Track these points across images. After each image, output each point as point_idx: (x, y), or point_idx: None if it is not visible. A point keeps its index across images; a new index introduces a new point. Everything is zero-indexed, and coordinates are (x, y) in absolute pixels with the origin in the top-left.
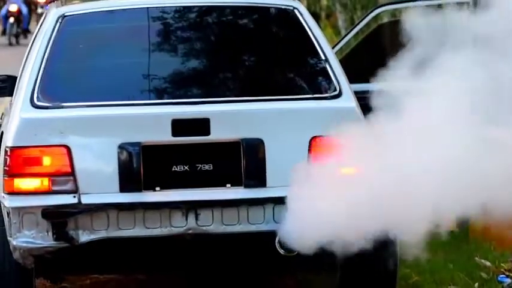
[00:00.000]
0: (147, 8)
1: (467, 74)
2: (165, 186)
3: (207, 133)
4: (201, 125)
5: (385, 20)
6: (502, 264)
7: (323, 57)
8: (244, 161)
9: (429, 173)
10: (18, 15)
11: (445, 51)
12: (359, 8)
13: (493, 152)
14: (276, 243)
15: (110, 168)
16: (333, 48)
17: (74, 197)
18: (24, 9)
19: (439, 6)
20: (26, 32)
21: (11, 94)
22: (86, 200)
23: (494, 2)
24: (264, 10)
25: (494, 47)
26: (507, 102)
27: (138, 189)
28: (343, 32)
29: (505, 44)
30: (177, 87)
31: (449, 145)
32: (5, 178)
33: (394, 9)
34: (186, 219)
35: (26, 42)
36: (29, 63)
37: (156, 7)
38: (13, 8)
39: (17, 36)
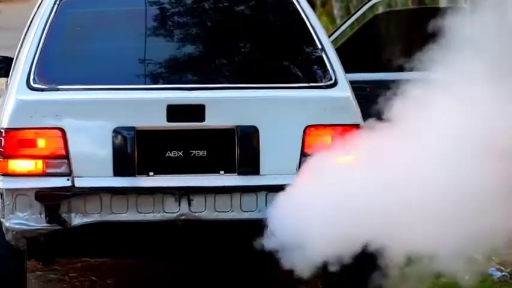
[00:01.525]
0: None
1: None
2: (158, 172)
3: (202, 119)
4: (196, 111)
5: (381, 10)
6: (493, 258)
7: (319, 46)
8: (239, 148)
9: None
10: None
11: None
12: None
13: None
14: (268, 231)
15: (104, 152)
16: (329, 37)
17: (68, 179)
18: None
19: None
20: None
21: (6, 75)
22: (79, 183)
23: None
24: None
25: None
26: None
27: (131, 173)
28: (338, 21)
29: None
30: (173, 72)
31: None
32: None
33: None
34: (179, 204)
35: None
36: (26, 45)
37: None
38: None
39: None
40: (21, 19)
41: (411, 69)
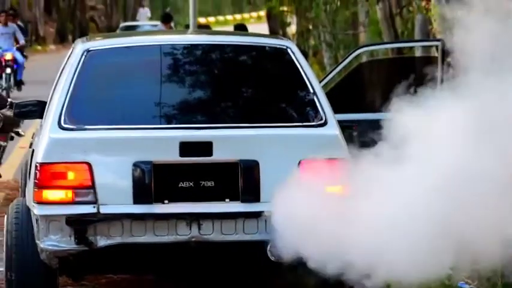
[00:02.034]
0: (160, 45)
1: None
2: (172, 200)
3: (210, 154)
4: (205, 147)
5: (365, 59)
6: (461, 272)
7: (311, 91)
8: (242, 179)
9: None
10: (13, 64)
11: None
12: (342, 47)
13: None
14: (268, 251)
15: (125, 183)
16: (320, 82)
17: (94, 207)
18: (20, 58)
19: (411, 48)
20: (20, 83)
21: (41, 117)
22: (104, 210)
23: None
24: (261, 49)
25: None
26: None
27: (149, 201)
28: (328, 68)
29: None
30: (184, 114)
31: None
32: (35, 190)
33: (373, 50)
34: (190, 228)
35: (19, 96)
36: (58, 91)
37: (167, 44)
38: (8, 56)
39: (8, 89)
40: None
41: (390, 110)
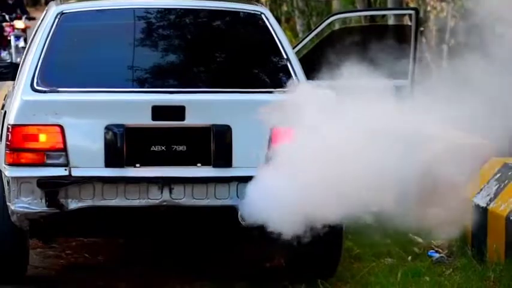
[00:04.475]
0: (133, 8)
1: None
2: (144, 163)
3: (183, 119)
4: (178, 112)
5: (337, 26)
6: (432, 241)
7: (285, 57)
8: (214, 144)
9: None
10: None
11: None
12: (315, 14)
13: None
14: (239, 216)
15: (97, 146)
16: (293, 49)
17: (65, 169)
18: None
19: (383, 16)
20: None
21: (13, 78)
22: (75, 172)
23: None
24: (235, 14)
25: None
26: None
27: (121, 165)
28: (300, 35)
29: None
30: (157, 78)
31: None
32: (7, 151)
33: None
34: (162, 192)
35: None
36: (31, 53)
37: (142, 8)
38: None
39: None
40: None
41: (362, 76)
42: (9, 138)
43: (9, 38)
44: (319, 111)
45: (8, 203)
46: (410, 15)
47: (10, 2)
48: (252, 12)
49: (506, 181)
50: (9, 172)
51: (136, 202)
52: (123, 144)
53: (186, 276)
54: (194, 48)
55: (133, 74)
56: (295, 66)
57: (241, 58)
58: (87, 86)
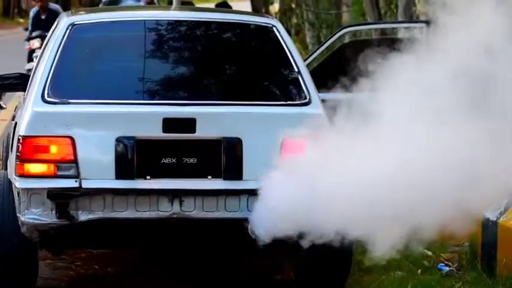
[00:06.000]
0: (144, 20)
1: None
2: (154, 176)
3: (193, 131)
4: (188, 124)
5: (347, 39)
6: (441, 254)
7: (296, 70)
8: (224, 157)
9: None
10: None
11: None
12: (325, 27)
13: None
14: (249, 229)
15: (108, 157)
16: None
17: (76, 181)
18: None
19: (393, 30)
20: None
21: (24, 89)
22: (86, 184)
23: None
24: (247, 26)
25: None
26: None
27: (131, 177)
28: (310, 47)
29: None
30: (168, 90)
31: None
32: (17, 163)
33: (356, 31)
34: (172, 205)
35: None
36: (42, 64)
37: (151, 20)
38: None
39: None
40: None
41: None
42: (20, 150)
43: None
44: (331, 124)
45: (18, 214)
46: (422, 28)
47: (43, 17)
48: (264, 24)
49: None
50: (20, 183)
51: (146, 214)
52: (134, 156)
53: None
54: (205, 61)
55: (144, 86)
56: (306, 79)
57: (252, 71)
58: (98, 98)
